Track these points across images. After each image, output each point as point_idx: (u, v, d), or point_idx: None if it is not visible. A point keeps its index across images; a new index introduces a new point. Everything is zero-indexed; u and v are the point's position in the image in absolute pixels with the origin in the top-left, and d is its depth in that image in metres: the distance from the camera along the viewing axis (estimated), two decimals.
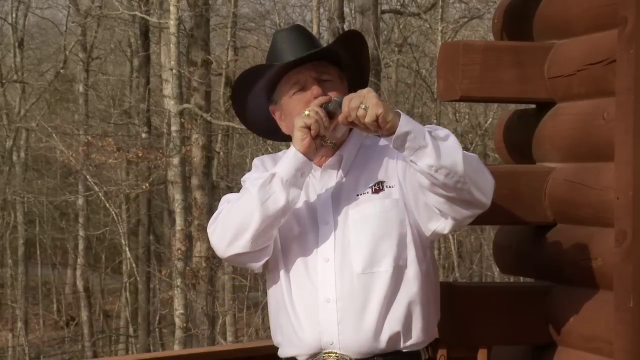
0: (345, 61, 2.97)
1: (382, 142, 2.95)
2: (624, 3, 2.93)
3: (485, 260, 19.95)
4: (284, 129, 2.98)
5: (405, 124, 2.66)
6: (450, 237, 18.65)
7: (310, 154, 2.80)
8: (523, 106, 3.86)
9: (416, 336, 2.86)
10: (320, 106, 2.81)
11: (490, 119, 18.87)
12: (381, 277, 2.81)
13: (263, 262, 2.90)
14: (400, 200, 2.85)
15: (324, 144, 2.83)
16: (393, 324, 2.82)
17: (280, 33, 2.97)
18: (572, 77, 3.42)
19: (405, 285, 2.83)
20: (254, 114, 3.05)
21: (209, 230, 2.91)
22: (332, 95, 2.87)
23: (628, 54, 2.90)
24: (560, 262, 3.42)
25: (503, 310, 3.51)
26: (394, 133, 2.66)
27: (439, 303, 3.00)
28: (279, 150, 3.17)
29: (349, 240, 2.83)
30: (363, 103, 2.65)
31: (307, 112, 2.79)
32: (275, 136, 3.10)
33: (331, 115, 2.80)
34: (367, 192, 2.87)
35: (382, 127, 2.66)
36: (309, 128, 2.77)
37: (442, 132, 2.74)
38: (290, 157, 2.79)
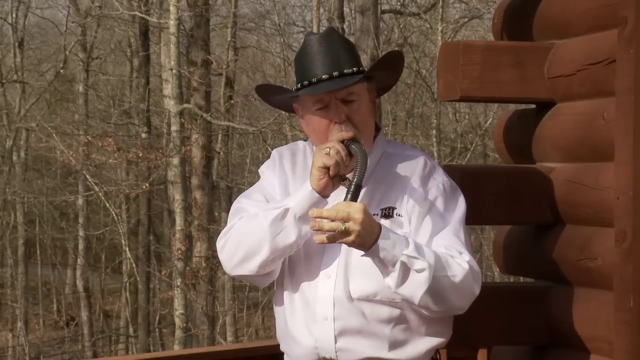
0: (378, 73, 2.90)
1: (405, 154, 2.91)
2: (624, 3, 2.93)
3: (485, 260, 19.94)
4: (304, 128, 2.93)
5: (379, 251, 2.64)
6: None
7: (326, 192, 2.76)
8: (523, 106, 3.86)
9: (417, 357, 2.84)
10: (342, 142, 2.74)
11: (490, 119, 18.88)
12: (377, 304, 2.79)
13: (269, 282, 2.91)
14: (408, 235, 2.78)
15: (342, 184, 2.75)
16: (391, 348, 2.80)
17: (313, 39, 2.84)
18: (572, 77, 3.41)
19: (406, 314, 2.80)
20: (275, 94, 3.01)
21: (219, 245, 2.88)
22: (356, 119, 2.80)
23: (628, 54, 2.90)
24: (560, 262, 3.42)
25: (503, 310, 3.51)
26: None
27: (451, 324, 2.93)
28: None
29: (351, 260, 2.80)
30: (346, 229, 2.60)
31: (326, 151, 2.72)
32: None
33: (351, 154, 2.74)
34: (377, 214, 2.80)
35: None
36: (327, 168, 2.72)
37: (419, 264, 2.67)
38: (305, 195, 2.75)
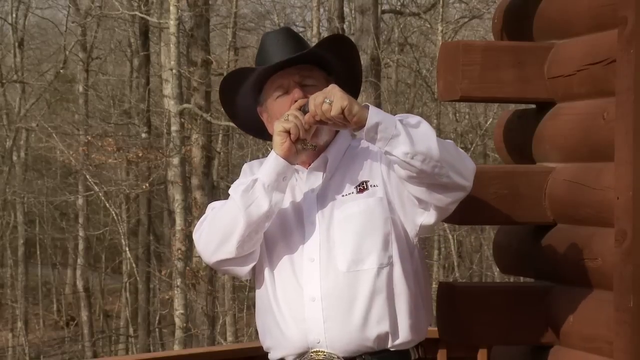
0: (337, 68, 2.98)
1: (367, 143, 2.96)
2: (624, 3, 2.93)
3: (485, 260, 19.95)
4: (270, 130, 2.98)
5: (374, 115, 2.67)
6: (450, 237, 18.65)
7: (290, 157, 2.81)
8: (523, 106, 3.86)
9: (404, 335, 2.85)
10: (300, 109, 2.81)
11: (491, 119, 18.89)
12: (366, 275, 2.81)
13: (249, 268, 2.92)
14: (384, 198, 2.86)
15: (304, 147, 2.83)
16: (379, 322, 2.82)
17: (268, 35, 2.99)
18: (572, 77, 3.41)
19: (391, 283, 2.83)
20: (244, 113, 3.06)
21: (195, 236, 2.93)
22: None
23: (628, 54, 2.90)
24: (560, 262, 3.42)
25: (503, 310, 3.51)
26: (364, 126, 2.67)
27: (431, 303, 2.99)
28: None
29: (334, 239, 2.84)
30: (327, 98, 2.67)
31: (285, 117, 2.79)
32: (265, 135, 3.09)
33: None
34: (352, 193, 2.88)
35: (350, 120, 2.68)
36: (288, 132, 2.77)
37: (413, 119, 2.74)
38: (271, 162, 2.81)
